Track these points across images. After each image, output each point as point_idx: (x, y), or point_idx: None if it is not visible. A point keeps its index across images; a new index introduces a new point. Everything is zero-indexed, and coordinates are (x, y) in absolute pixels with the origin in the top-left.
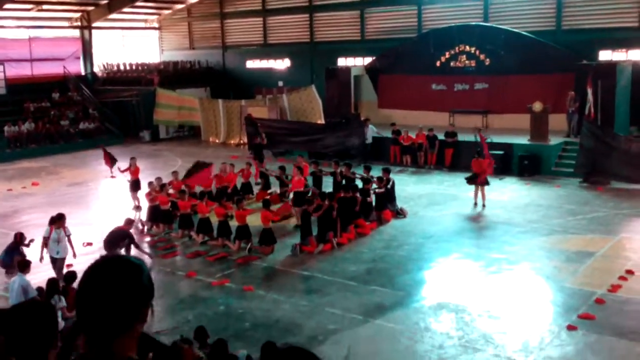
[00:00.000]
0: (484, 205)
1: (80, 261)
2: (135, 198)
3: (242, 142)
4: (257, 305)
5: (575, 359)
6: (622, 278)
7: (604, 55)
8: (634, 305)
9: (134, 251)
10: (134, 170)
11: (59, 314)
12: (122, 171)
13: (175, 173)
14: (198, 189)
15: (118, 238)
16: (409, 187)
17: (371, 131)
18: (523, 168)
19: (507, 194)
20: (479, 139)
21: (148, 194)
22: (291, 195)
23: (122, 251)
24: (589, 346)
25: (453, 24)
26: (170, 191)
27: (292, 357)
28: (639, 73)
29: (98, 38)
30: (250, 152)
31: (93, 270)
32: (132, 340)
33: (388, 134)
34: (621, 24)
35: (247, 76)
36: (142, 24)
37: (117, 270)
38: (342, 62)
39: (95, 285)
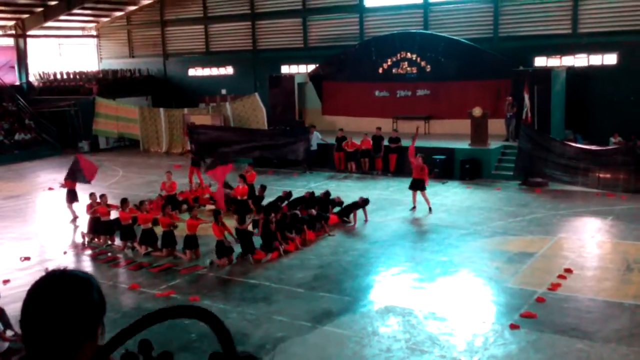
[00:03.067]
0: (430, 209)
1: (18, 276)
2: (72, 210)
3: (185, 151)
4: None
5: (518, 357)
6: (561, 277)
7: (540, 61)
8: (573, 302)
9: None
10: (71, 183)
11: None
12: (62, 185)
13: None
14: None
15: None
16: (354, 193)
17: (316, 138)
18: (464, 172)
19: (449, 198)
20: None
21: (89, 206)
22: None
23: None
24: (531, 344)
25: (394, 32)
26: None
27: None
28: (573, 78)
29: (33, 46)
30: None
31: (37, 288)
32: None
33: (333, 140)
34: (555, 31)
35: (189, 84)
36: (80, 32)
37: (64, 286)
38: (285, 69)
39: (40, 303)
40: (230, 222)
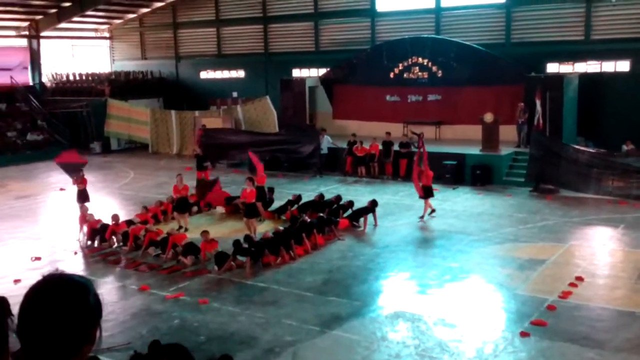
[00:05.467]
0: (422, 217)
1: (29, 276)
2: (84, 210)
3: (193, 153)
4: (212, 319)
5: None
6: (572, 285)
7: (552, 67)
8: (584, 311)
9: None
10: (81, 182)
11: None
12: (74, 182)
13: (179, 176)
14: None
15: None
16: (364, 197)
17: (327, 142)
18: (475, 178)
19: (460, 204)
20: (416, 145)
21: (82, 217)
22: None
23: None
24: (541, 352)
25: (406, 36)
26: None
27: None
28: (585, 85)
29: (46, 47)
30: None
31: (35, 291)
32: None
33: (344, 144)
34: (568, 38)
35: (201, 87)
36: (93, 34)
37: (61, 291)
38: (296, 73)
39: (38, 307)
40: (237, 225)
